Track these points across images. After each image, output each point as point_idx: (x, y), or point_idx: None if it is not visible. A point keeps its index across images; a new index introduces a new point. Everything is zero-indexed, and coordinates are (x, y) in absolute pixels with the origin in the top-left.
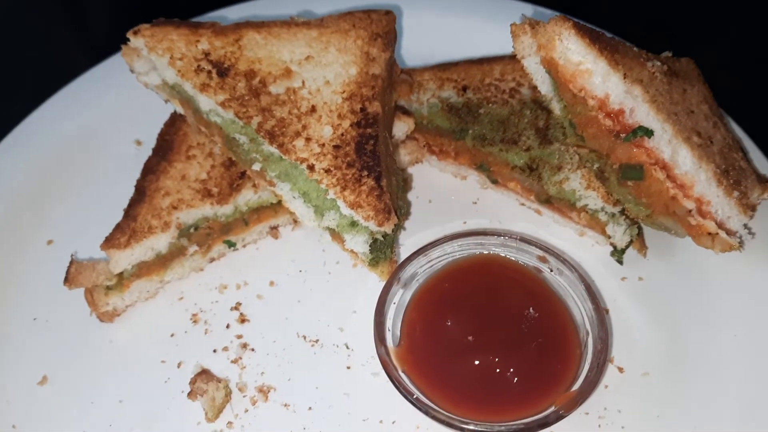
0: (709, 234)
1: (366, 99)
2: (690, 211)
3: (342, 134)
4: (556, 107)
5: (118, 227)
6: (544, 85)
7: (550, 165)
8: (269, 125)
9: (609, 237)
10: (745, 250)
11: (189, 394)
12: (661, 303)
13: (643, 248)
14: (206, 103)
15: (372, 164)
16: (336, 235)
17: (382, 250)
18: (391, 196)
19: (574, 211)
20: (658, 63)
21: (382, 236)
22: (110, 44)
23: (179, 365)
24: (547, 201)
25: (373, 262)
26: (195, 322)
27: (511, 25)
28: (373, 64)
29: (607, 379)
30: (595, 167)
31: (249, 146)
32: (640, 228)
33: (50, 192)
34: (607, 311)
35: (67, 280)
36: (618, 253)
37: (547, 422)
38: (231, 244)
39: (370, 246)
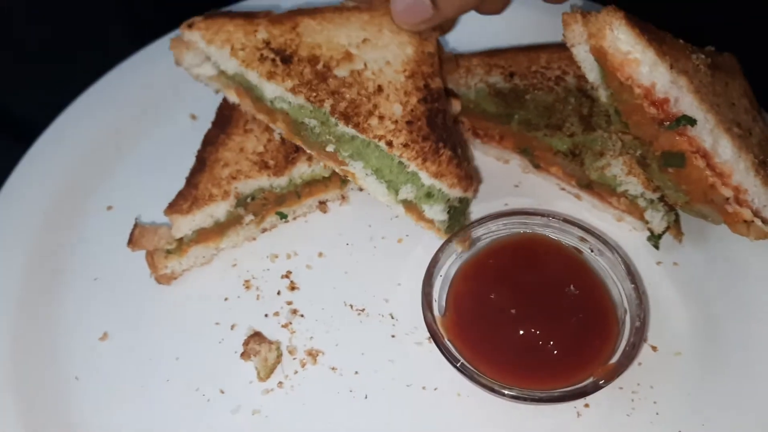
0: (745, 221)
1: (428, 76)
2: (728, 199)
3: (412, 110)
4: (603, 94)
5: (181, 194)
6: (592, 73)
7: (592, 151)
8: (342, 107)
9: (647, 222)
10: None
11: (242, 354)
12: (694, 287)
13: (680, 234)
14: (273, 90)
15: (446, 136)
16: (411, 207)
17: (456, 217)
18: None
19: (614, 197)
20: (702, 56)
21: (458, 202)
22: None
23: (233, 327)
24: (588, 186)
25: (449, 230)
26: (248, 288)
27: (563, 13)
28: (426, 43)
29: (641, 357)
30: (638, 154)
31: (320, 129)
32: (677, 215)
33: (110, 162)
34: (643, 292)
35: (131, 242)
36: (655, 238)
37: (586, 391)
38: (283, 216)
39: (449, 213)
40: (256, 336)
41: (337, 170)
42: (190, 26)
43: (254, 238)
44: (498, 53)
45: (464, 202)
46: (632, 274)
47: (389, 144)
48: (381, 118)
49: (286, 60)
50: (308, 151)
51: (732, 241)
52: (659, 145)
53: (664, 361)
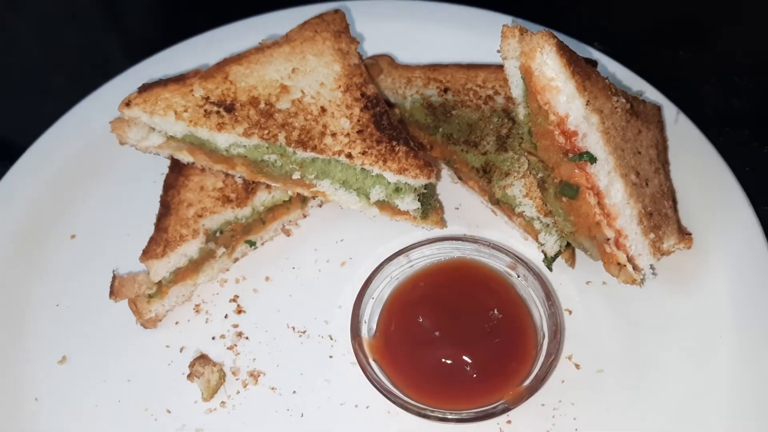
0: (619, 264)
1: (361, 85)
2: (608, 239)
3: (358, 120)
4: (521, 112)
5: (152, 240)
6: (516, 89)
7: (500, 170)
8: (295, 136)
9: (541, 244)
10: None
11: (188, 375)
12: (620, 307)
13: (571, 258)
14: (226, 139)
15: (395, 134)
16: (384, 205)
17: (428, 201)
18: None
19: (515, 216)
20: (623, 100)
21: (424, 188)
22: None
23: (181, 350)
24: (497, 203)
25: (424, 215)
26: (197, 311)
27: (504, 25)
28: (348, 56)
29: (564, 375)
30: (539, 176)
31: (281, 161)
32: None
33: (75, 191)
34: (569, 312)
35: (112, 293)
36: (548, 260)
37: (494, 413)
38: (251, 244)
39: (419, 201)
40: (201, 358)
41: (306, 193)
42: (128, 104)
43: (227, 269)
44: (440, 68)
45: (430, 187)
46: (551, 299)
47: (349, 156)
48: (333, 135)
49: (229, 109)
50: (275, 185)
51: (662, 260)
52: (559, 173)
53: (586, 378)
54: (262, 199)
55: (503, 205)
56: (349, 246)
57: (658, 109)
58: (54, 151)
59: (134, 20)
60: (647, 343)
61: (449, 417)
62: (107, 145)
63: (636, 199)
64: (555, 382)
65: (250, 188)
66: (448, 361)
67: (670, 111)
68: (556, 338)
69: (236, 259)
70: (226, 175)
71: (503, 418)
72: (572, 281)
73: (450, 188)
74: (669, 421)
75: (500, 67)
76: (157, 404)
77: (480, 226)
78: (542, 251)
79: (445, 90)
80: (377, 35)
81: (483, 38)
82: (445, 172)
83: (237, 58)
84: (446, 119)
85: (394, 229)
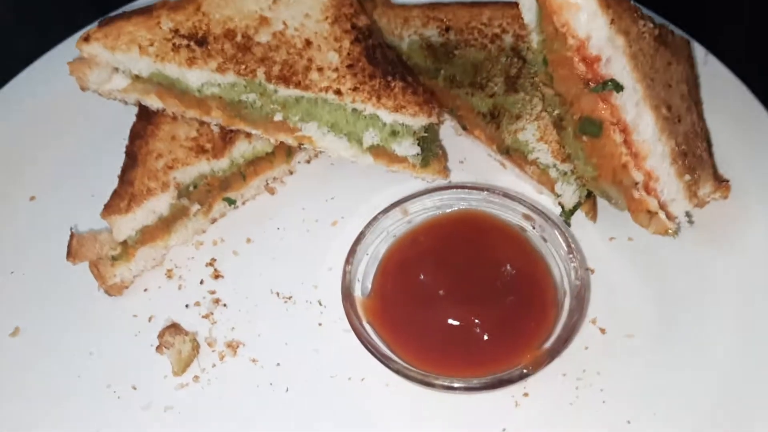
0: (649, 212)
1: (351, 16)
2: (637, 183)
3: (348, 53)
4: (535, 39)
5: (116, 194)
6: (528, 12)
7: (510, 113)
8: (276, 71)
9: (558, 195)
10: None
11: (157, 347)
12: (649, 265)
13: (592, 211)
14: (198, 76)
15: (390, 68)
16: (379, 151)
17: (429, 147)
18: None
19: (527, 165)
20: (651, 25)
21: (425, 131)
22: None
23: (150, 319)
24: (507, 152)
25: (424, 162)
26: (170, 277)
27: None
28: None
29: (588, 341)
30: (556, 113)
31: (260, 101)
32: (590, 190)
33: (35, 149)
34: (592, 271)
35: (70, 254)
36: (566, 214)
37: (511, 380)
38: (231, 202)
39: (419, 146)
40: (172, 327)
41: (290, 141)
42: (86, 40)
43: (204, 231)
44: (440, 6)
45: (431, 129)
46: (573, 252)
47: (338, 93)
48: (320, 70)
49: (201, 42)
50: (254, 132)
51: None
52: (579, 108)
53: (614, 344)
54: (241, 149)
55: (514, 153)
56: (341, 204)
57: (686, 42)
58: (11, 107)
59: None
60: (680, 304)
61: (457, 385)
62: (70, 101)
63: (668, 136)
64: (578, 349)
65: (227, 137)
66: (455, 323)
67: (698, 52)
68: (580, 294)
69: (214, 220)
70: (201, 123)
71: (519, 389)
72: (594, 237)
73: (453, 141)
74: (709, 391)
75: (506, 4)
76: (122, 380)
77: (488, 180)
78: (559, 203)
79: (447, 29)
80: None
81: None
82: (447, 125)
83: None
84: (448, 60)
85: (391, 183)
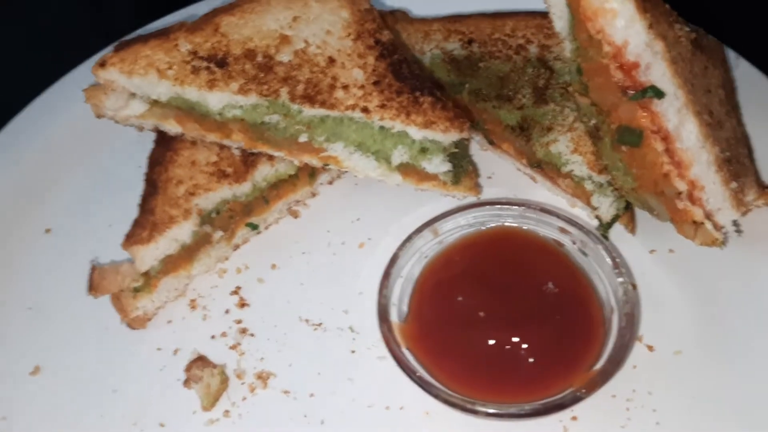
0: (694, 222)
1: (374, 32)
2: (680, 193)
3: (374, 70)
4: (568, 48)
5: (137, 223)
6: (560, 21)
7: (540, 125)
8: (300, 90)
9: (594, 208)
10: None
11: (184, 381)
12: (693, 277)
13: (631, 224)
14: (219, 99)
15: (418, 83)
16: (408, 170)
17: (460, 163)
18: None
19: (560, 178)
20: (687, 29)
21: (455, 147)
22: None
23: (176, 352)
24: (538, 166)
25: (455, 179)
26: (193, 308)
27: None
28: (358, 1)
29: (635, 359)
30: (592, 123)
31: (285, 122)
32: (629, 201)
33: (50, 180)
34: (634, 287)
35: (92, 287)
36: (603, 227)
37: (564, 404)
38: (254, 227)
39: (450, 162)
40: (199, 360)
41: (315, 162)
42: (102, 65)
43: (227, 258)
44: (461, 19)
45: (462, 145)
46: (619, 268)
47: (365, 110)
48: (345, 88)
49: (221, 63)
50: (277, 154)
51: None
52: (617, 117)
53: (663, 362)
54: (263, 173)
55: (546, 166)
56: (367, 225)
57: (720, 45)
58: (25, 138)
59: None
60: (728, 316)
61: (505, 412)
62: (84, 129)
63: (712, 142)
64: (626, 368)
65: (249, 161)
66: (498, 346)
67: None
68: (630, 311)
69: (237, 246)
70: (221, 147)
71: (567, 413)
72: (633, 250)
73: (479, 156)
74: (765, 404)
75: (529, 14)
76: (149, 417)
77: (518, 195)
78: (596, 216)
79: (470, 42)
80: None
81: None
82: (473, 141)
83: (228, 8)
84: (473, 73)
85: (420, 201)
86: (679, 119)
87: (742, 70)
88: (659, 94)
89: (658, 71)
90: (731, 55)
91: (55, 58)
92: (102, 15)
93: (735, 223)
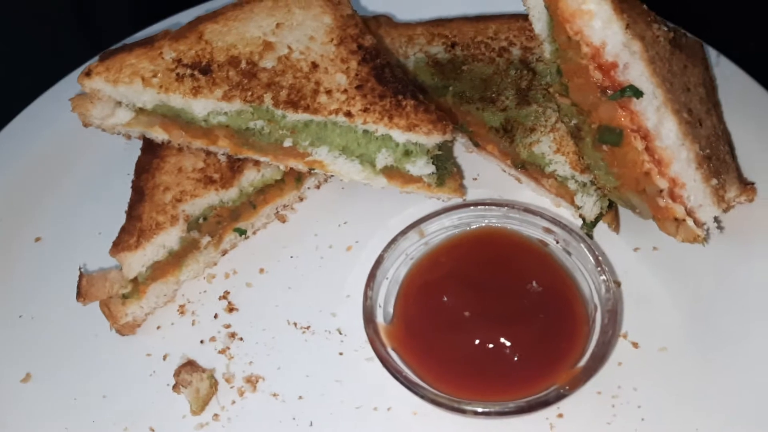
0: (676, 219)
1: (357, 36)
2: (661, 191)
3: (356, 74)
4: (547, 49)
5: (124, 230)
6: (539, 22)
7: (524, 126)
8: (284, 96)
9: (578, 208)
10: None
11: (173, 386)
12: (677, 274)
13: (615, 222)
14: (203, 106)
15: (401, 87)
16: (393, 173)
17: (443, 165)
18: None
19: (544, 178)
20: (665, 28)
21: (438, 149)
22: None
23: (165, 357)
24: (522, 166)
25: (440, 181)
26: (182, 313)
27: None
28: (340, 6)
29: (620, 356)
30: (573, 123)
31: (269, 128)
32: (611, 200)
33: (39, 188)
34: (618, 284)
35: (80, 294)
36: (587, 226)
37: (548, 401)
38: (242, 232)
39: (434, 164)
40: (188, 365)
41: (300, 167)
42: (88, 74)
43: (215, 263)
44: (444, 23)
45: (445, 147)
46: (602, 265)
47: (348, 115)
48: (329, 92)
49: (205, 71)
50: (263, 159)
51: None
52: (597, 117)
53: (648, 359)
54: (250, 178)
55: (530, 166)
56: (354, 228)
57: (700, 44)
58: (13, 148)
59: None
60: (712, 312)
61: (491, 410)
62: (72, 138)
63: (692, 140)
64: (611, 365)
65: (235, 167)
66: (483, 345)
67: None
68: (613, 309)
69: (225, 251)
70: (207, 153)
71: (553, 410)
72: (618, 249)
73: (464, 158)
74: (752, 400)
75: (511, 17)
76: (138, 422)
77: (503, 196)
78: (580, 215)
79: (453, 45)
80: None
81: None
82: (457, 142)
83: (212, 16)
84: (456, 76)
85: (406, 203)
86: (658, 118)
87: (723, 67)
88: (638, 93)
89: (636, 71)
90: (712, 53)
91: (44, 69)
92: (91, 25)
93: (716, 220)
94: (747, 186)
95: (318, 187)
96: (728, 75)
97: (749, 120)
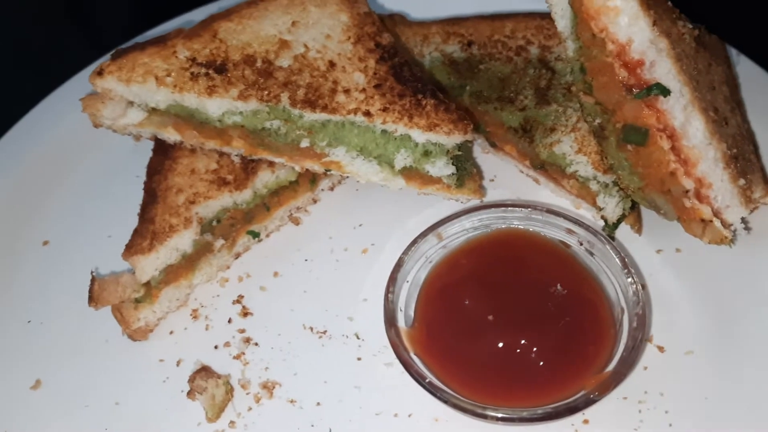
0: (702, 221)
1: (374, 35)
2: (687, 191)
3: (375, 73)
4: (570, 47)
5: (137, 233)
6: (562, 20)
7: (543, 126)
8: (301, 95)
9: (600, 209)
10: None
11: (188, 393)
12: (702, 275)
13: (637, 224)
14: (218, 105)
15: (420, 86)
16: (412, 174)
17: (463, 166)
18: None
19: (565, 179)
20: (690, 26)
21: (458, 149)
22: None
23: (178, 363)
24: (541, 167)
25: (459, 183)
26: (195, 318)
27: None
28: (357, 5)
29: (646, 360)
30: (597, 123)
31: (285, 128)
32: (635, 201)
33: (46, 191)
34: (643, 286)
35: (92, 299)
36: (609, 228)
37: (576, 407)
38: (255, 235)
39: (453, 165)
40: (203, 371)
41: (316, 168)
42: (100, 74)
43: (228, 267)
44: (460, 21)
45: (465, 147)
46: (628, 268)
47: (367, 114)
48: (347, 92)
49: (221, 69)
50: (278, 160)
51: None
52: (622, 116)
53: (674, 362)
54: (264, 180)
55: (550, 167)
56: (370, 230)
57: (722, 42)
58: (22, 149)
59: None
60: (738, 314)
61: (517, 416)
62: (80, 140)
63: (718, 140)
64: (637, 370)
65: (249, 168)
66: (507, 349)
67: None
68: (641, 312)
69: (238, 254)
70: (221, 154)
71: (579, 417)
72: (640, 251)
73: (482, 159)
74: None
75: (528, 15)
76: (152, 429)
77: (522, 197)
78: (602, 217)
79: (469, 44)
80: None
81: None
82: (474, 144)
83: (226, 14)
84: (473, 75)
85: (422, 205)
86: (685, 116)
87: (744, 67)
88: (665, 91)
89: (663, 68)
90: (732, 53)
91: (51, 69)
92: (91, 25)
93: (743, 221)
94: None
95: (332, 188)
96: (749, 74)
97: None
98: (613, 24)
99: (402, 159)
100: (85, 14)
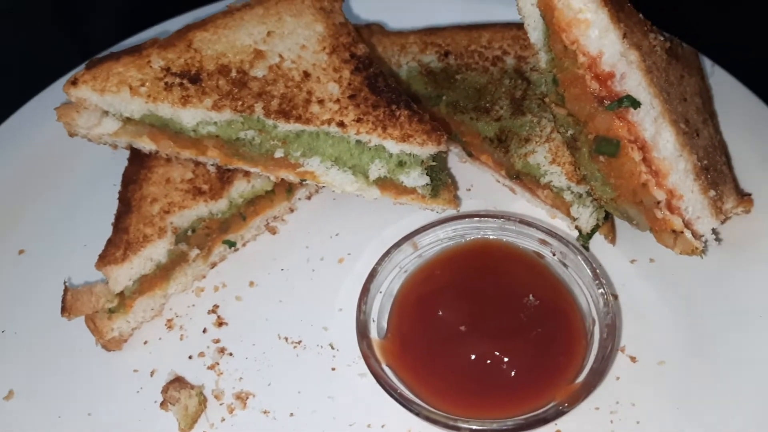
0: (673, 231)
1: (350, 45)
2: (659, 202)
3: (349, 83)
4: (543, 59)
5: (110, 243)
6: (535, 31)
7: (518, 137)
8: (275, 105)
9: (574, 219)
10: None
11: (161, 403)
12: (674, 286)
13: (611, 234)
14: (193, 115)
15: (394, 96)
16: (386, 184)
17: (438, 176)
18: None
19: (539, 189)
20: (661, 38)
21: (433, 160)
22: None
23: (152, 374)
24: (517, 177)
25: (434, 193)
26: (170, 327)
27: None
28: (332, 15)
29: (618, 370)
30: (569, 134)
31: (260, 138)
32: (608, 211)
33: (23, 199)
34: (615, 297)
35: (65, 309)
36: (584, 238)
37: (546, 418)
38: (231, 244)
39: (428, 175)
40: (176, 381)
41: (291, 178)
42: (74, 83)
43: (204, 276)
44: (437, 31)
45: (439, 158)
46: (599, 278)
47: (341, 125)
48: (321, 102)
49: (195, 79)
50: (253, 170)
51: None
52: (594, 127)
53: (646, 373)
54: (240, 189)
55: (525, 177)
56: (347, 240)
57: (695, 54)
58: None
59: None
60: (710, 325)
61: (488, 428)
62: (58, 148)
63: (689, 151)
64: (609, 380)
65: (225, 177)
66: (480, 360)
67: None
68: (611, 322)
69: (214, 264)
70: (196, 164)
71: (551, 427)
72: (614, 261)
73: (458, 168)
74: (752, 413)
75: (505, 26)
76: None
77: (498, 207)
78: (576, 227)
79: (446, 54)
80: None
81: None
82: (451, 152)
83: (201, 24)
84: (450, 85)
85: (399, 215)
86: (655, 128)
87: (718, 77)
88: (635, 103)
89: (634, 81)
90: (707, 63)
91: (30, 77)
92: (78, 32)
93: (714, 232)
94: (744, 197)
95: (309, 198)
96: (723, 85)
97: (745, 130)
98: (584, 36)
99: (376, 169)
100: (73, 21)
